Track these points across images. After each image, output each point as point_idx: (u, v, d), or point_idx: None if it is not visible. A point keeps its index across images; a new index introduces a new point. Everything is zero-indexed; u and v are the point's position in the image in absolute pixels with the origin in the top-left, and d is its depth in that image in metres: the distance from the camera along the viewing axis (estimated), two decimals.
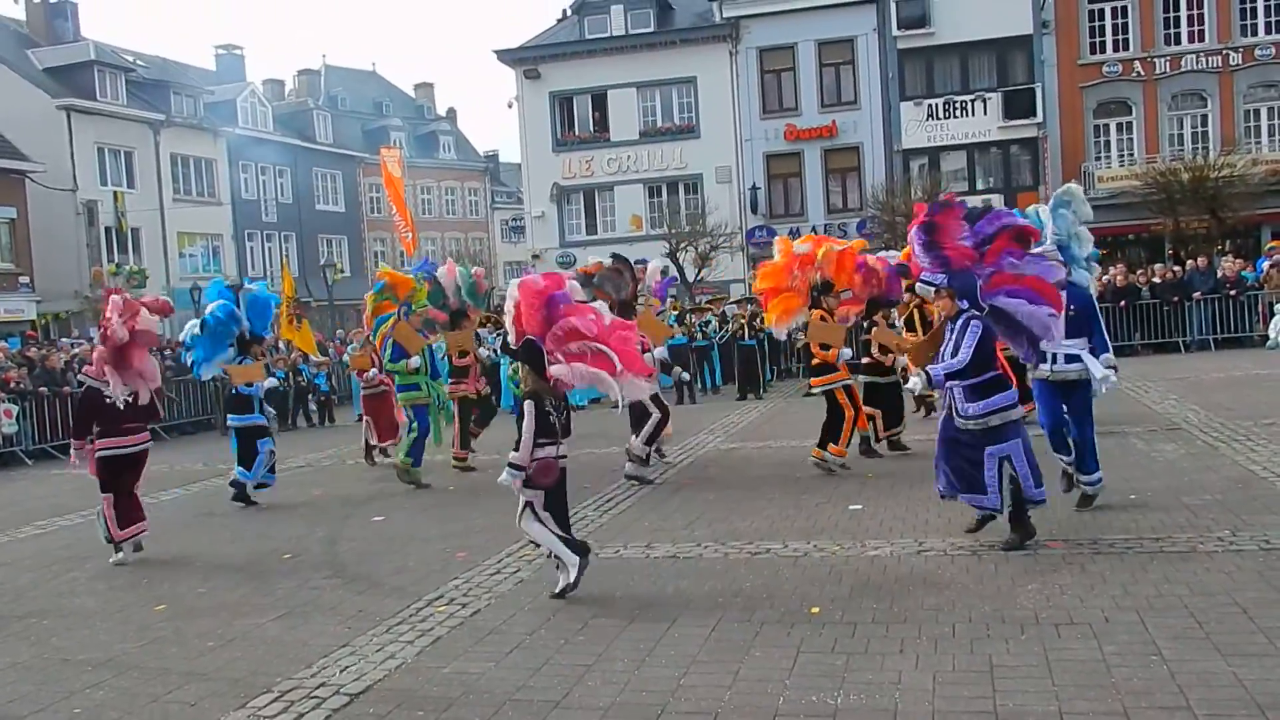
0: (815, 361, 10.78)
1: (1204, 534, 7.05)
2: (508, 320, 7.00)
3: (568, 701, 5.00)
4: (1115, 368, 7.84)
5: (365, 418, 14.15)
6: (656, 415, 10.84)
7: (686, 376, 12.09)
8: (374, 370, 13.75)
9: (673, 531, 8.43)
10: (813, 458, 10.69)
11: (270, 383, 12.27)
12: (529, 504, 6.74)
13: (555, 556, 6.77)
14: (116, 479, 8.93)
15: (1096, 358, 7.68)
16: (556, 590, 6.72)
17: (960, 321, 7.04)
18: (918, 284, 7.93)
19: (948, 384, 7.04)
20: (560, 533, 6.76)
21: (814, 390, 11.30)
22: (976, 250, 6.97)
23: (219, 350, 11.81)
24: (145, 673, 5.88)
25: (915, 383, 7.34)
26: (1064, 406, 7.88)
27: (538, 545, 6.95)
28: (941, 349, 7.15)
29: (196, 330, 11.73)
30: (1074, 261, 7.94)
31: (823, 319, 10.65)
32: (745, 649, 5.49)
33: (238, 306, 11.73)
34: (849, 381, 10.78)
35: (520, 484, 6.69)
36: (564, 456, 6.84)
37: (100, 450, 8.90)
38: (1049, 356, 7.72)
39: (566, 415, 6.92)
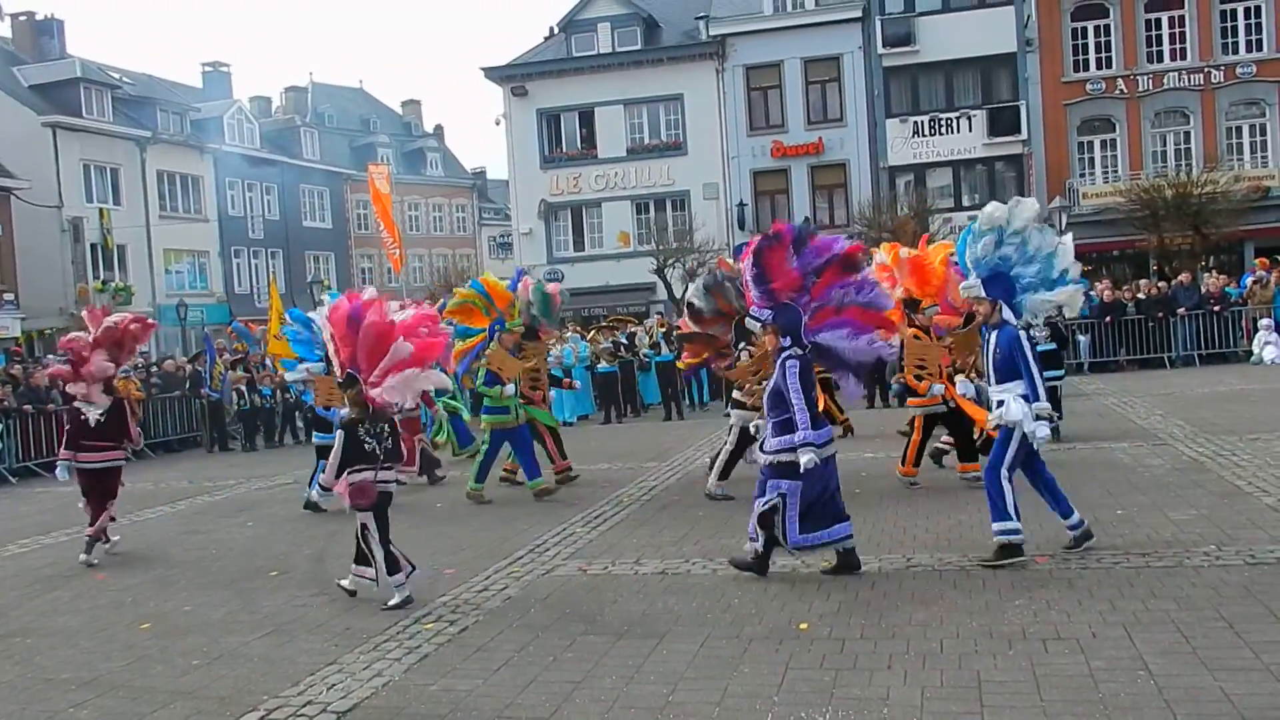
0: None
1: (1190, 549, 7.07)
2: (330, 351, 7.31)
3: (556, 718, 4.98)
4: (1051, 418, 7.19)
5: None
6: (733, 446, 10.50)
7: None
8: None
9: (661, 548, 8.42)
10: (961, 473, 10.07)
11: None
12: (364, 525, 7.20)
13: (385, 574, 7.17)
14: (91, 487, 9.87)
15: (1029, 405, 6.88)
16: (389, 604, 7.07)
17: (779, 362, 7.14)
18: (747, 318, 8.02)
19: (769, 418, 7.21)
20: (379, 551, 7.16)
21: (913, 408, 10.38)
22: (803, 280, 7.00)
23: (310, 356, 11.46)
24: (130, 692, 5.83)
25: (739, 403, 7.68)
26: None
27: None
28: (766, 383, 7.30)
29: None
30: (1023, 291, 7.14)
31: (917, 338, 9.76)
32: (734, 665, 5.48)
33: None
34: (940, 408, 9.96)
35: (349, 506, 7.18)
36: (386, 481, 7.25)
37: (77, 463, 9.98)
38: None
39: (393, 441, 7.31)
